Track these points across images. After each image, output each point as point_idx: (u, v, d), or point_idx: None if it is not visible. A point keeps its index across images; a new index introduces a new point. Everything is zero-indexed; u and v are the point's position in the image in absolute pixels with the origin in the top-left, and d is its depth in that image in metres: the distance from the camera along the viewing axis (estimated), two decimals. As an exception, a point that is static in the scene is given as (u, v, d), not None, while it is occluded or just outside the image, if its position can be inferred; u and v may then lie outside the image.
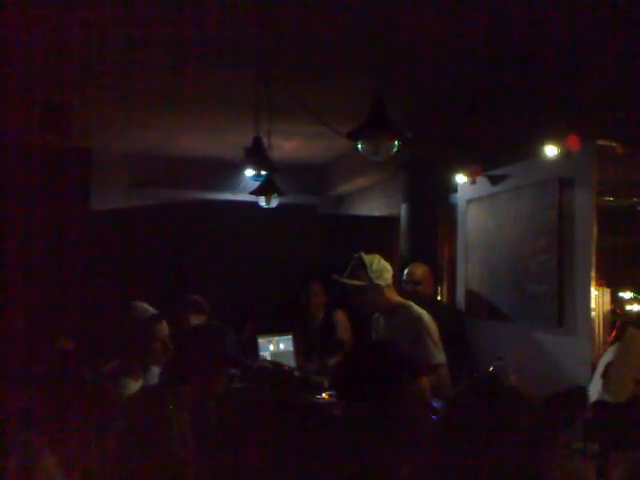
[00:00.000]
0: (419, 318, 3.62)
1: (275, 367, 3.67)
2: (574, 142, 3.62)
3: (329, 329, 5.18)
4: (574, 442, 2.68)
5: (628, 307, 4.33)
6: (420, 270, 4.84)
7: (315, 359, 4.74)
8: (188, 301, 4.30)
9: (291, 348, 4.60)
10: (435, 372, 3.49)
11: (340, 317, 5.23)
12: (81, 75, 5.18)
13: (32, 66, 4.66)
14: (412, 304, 3.75)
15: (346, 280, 3.67)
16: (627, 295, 4.35)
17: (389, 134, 3.20)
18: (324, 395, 3.50)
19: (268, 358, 4.19)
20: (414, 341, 3.55)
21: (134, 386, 3.03)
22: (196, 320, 3.93)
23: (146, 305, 3.31)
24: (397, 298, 3.78)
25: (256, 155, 4.90)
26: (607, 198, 4.06)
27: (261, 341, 4.44)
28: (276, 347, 4.54)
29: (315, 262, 6.11)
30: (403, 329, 3.64)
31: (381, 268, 3.70)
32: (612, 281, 4.03)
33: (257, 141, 4.87)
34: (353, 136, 3.25)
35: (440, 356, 3.54)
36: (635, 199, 4.40)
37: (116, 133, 7.23)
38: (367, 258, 3.72)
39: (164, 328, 3.18)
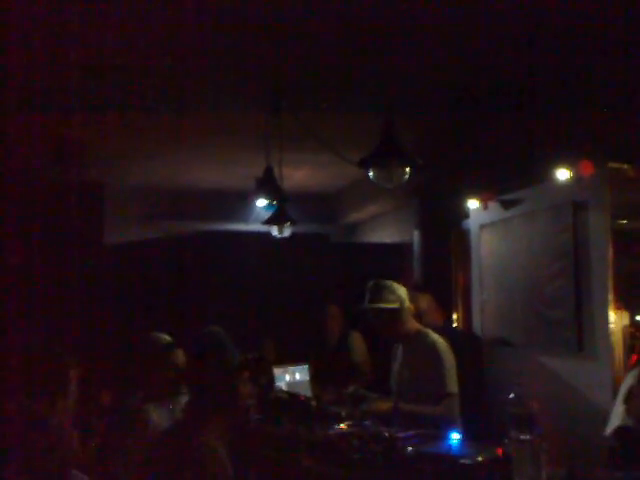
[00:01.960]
0: (434, 345, 3.60)
1: (291, 397, 3.63)
2: (586, 166, 3.62)
3: (345, 353, 5.15)
4: (599, 468, 2.64)
5: (647, 331, 4.27)
6: (424, 301, 4.80)
7: (331, 388, 4.70)
8: (209, 332, 4.32)
9: (307, 378, 4.56)
10: (445, 401, 3.45)
11: (356, 339, 5.19)
12: (94, 111, 5.25)
13: (47, 100, 4.73)
14: (430, 331, 3.73)
15: (379, 305, 3.62)
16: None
17: (401, 161, 3.21)
18: (342, 425, 3.45)
19: (284, 388, 4.15)
20: (427, 368, 3.53)
21: (160, 413, 3.06)
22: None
23: (163, 335, 3.34)
24: (416, 324, 3.77)
25: (267, 185, 4.93)
26: (622, 221, 4.04)
27: (277, 371, 4.40)
28: (292, 377, 4.50)
29: (330, 289, 6.10)
30: (419, 356, 3.63)
31: (405, 292, 3.71)
32: (630, 304, 3.99)
33: (268, 171, 4.91)
34: (365, 164, 3.26)
35: (451, 386, 3.50)
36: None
37: (129, 167, 7.30)
38: (392, 283, 3.71)
39: (179, 356, 3.20)
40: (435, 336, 3.67)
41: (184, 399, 3.04)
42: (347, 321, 5.35)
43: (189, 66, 4.37)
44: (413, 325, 3.73)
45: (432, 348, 3.59)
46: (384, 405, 3.52)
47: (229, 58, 4.25)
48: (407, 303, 3.68)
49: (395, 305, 3.62)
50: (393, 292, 3.66)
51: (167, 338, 3.37)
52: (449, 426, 3.16)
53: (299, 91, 4.82)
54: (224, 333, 4.35)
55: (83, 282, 6.18)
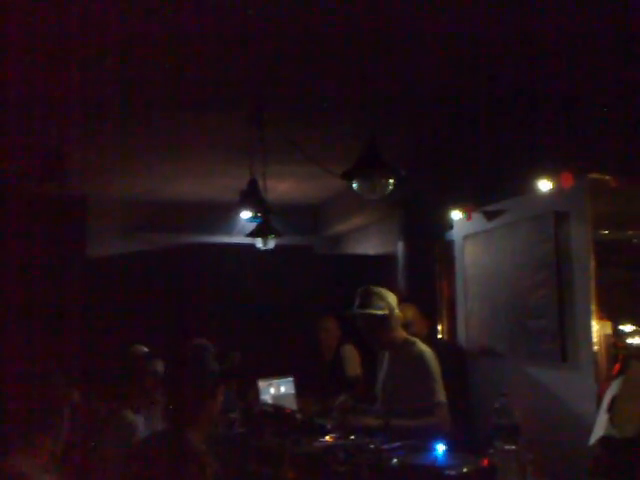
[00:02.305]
0: (421, 355, 3.59)
1: (276, 410, 3.62)
2: (566, 178, 3.66)
3: (338, 365, 5.14)
4: (583, 478, 2.64)
5: (629, 340, 4.30)
6: (410, 311, 4.81)
7: (317, 401, 4.69)
8: (195, 345, 4.35)
9: (292, 391, 4.54)
10: (434, 411, 3.44)
11: (349, 352, 5.18)
12: (76, 122, 5.23)
13: (29, 114, 4.71)
14: (417, 340, 3.72)
15: (368, 311, 3.61)
16: (628, 328, 4.32)
17: (384, 173, 3.23)
18: (327, 438, 3.44)
19: (269, 401, 4.13)
20: (415, 378, 3.53)
21: (135, 419, 3.20)
22: None
23: (142, 347, 3.46)
24: (404, 333, 3.76)
25: (252, 197, 4.93)
26: (603, 231, 4.07)
27: (261, 384, 4.38)
28: (277, 390, 4.48)
29: (313, 301, 6.10)
30: (406, 365, 3.61)
31: (395, 300, 3.70)
32: (612, 314, 4.01)
33: (252, 183, 4.92)
34: (348, 175, 3.28)
35: (440, 395, 3.49)
36: (631, 232, 4.41)
37: (111, 179, 7.27)
38: (381, 290, 3.71)
39: (157, 365, 3.28)
40: (422, 345, 3.66)
41: (158, 409, 3.09)
42: (341, 333, 5.34)
43: (172, 79, 4.38)
44: (400, 333, 3.72)
45: (420, 357, 3.58)
46: (374, 422, 3.48)
47: (212, 70, 4.26)
48: (396, 311, 3.68)
49: (384, 312, 3.61)
50: (383, 298, 3.64)
51: (145, 349, 3.53)
52: (442, 435, 3.16)
53: (282, 103, 4.84)
54: (209, 346, 4.37)
55: (66, 295, 6.14)
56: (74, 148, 5.83)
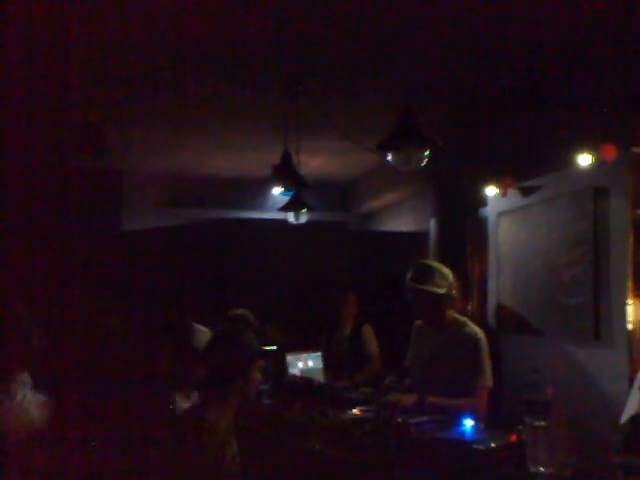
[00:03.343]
0: (475, 336, 3.50)
1: (305, 382, 3.63)
2: (609, 150, 3.54)
3: (358, 343, 5.14)
4: (614, 456, 2.60)
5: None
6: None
7: (344, 376, 4.70)
8: (236, 315, 4.43)
9: (320, 365, 4.56)
10: (477, 394, 3.38)
11: (370, 332, 5.19)
12: (111, 96, 5.26)
13: (66, 85, 4.74)
14: (468, 320, 3.63)
15: (428, 287, 3.48)
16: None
17: (420, 144, 3.17)
18: (355, 411, 3.44)
19: (297, 374, 4.16)
20: (470, 360, 3.44)
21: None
22: None
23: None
24: (453, 312, 3.64)
25: (284, 170, 4.91)
26: (640, 211, 3.96)
27: (290, 358, 4.41)
28: (305, 364, 4.51)
29: (345, 278, 6.10)
30: (458, 346, 3.51)
31: (453, 279, 3.59)
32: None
33: (286, 156, 4.88)
34: (383, 147, 3.23)
35: (490, 379, 3.43)
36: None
37: (146, 154, 7.32)
38: (442, 266, 3.60)
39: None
40: (475, 327, 3.57)
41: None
42: (361, 312, 5.35)
43: (208, 52, 4.36)
44: (451, 312, 3.62)
45: (474, 338, 3.48)
46: (408, 399, 3.39)
47: (247, 44, 4.22)
48: (454, 290, 3.57)
49: (443, 290, 3.49)
50: (444, 276, 3.52)
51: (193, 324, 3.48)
52: (476, 418, 3.12)
53: (317, 77, 4.79)
54: (248, 316, 4.44)
55: (101, 269, 6.22)
56: (111, 122, 5.88)
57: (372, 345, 5.16)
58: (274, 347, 4.12)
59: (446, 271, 3.57)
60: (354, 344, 5.16)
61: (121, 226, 7.16)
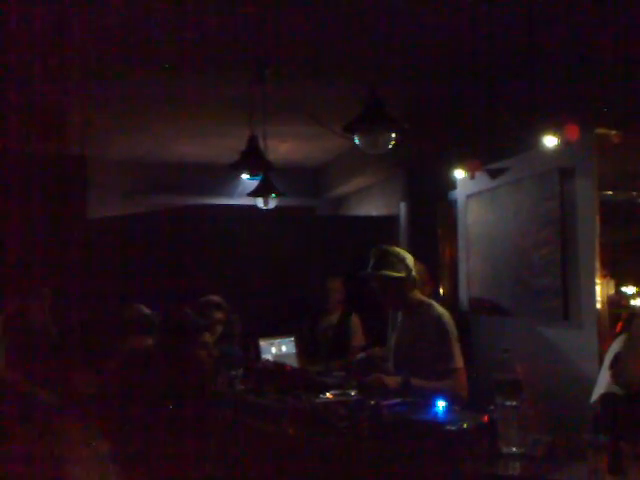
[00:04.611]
0: (440, 318, 3.47)
1: (278, 367, 3.61)
2: (572, 131, 3.57)
3: (344, 332, 5.11)
4: (585, 434, 2.63)
5: (632, 302, 4.28)
6: (417, 269, 4.75)
7: (319, 361, 4.70)
8: (208, 301, 4.41)
9: (293, 350, 4.55)
10: (452, 376, 3.38)
11: (357, 323, 5.15)
12: (76, 81, 5.14)
13: (28, 72, 4.63)
14: (433, 302, 3.59)
15: (385, 272, 3.46)
16: (630, 290, 4.30)
17: (386, 126, 3.16)
18: (328, 395, 3.43)
19: (270, 360, 4.14)
20: (436, 342, 3.42)
21: None
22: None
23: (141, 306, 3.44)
24: (419, 295, 3.62)
25: (252, 155, 4.85)
26: (607, 192, 4.01)
27: (263, 343, 4.39)
28: (278, 349, 4.49)
29: (315, 263, 6.08)
30: (423, 328, 3.49)
31: (412, 261, 3.58)
32: (616, 274, 3.98)
33: (253, 141, 4.82)
34: (350, 129, 3.20)
35: (460, 359, 3.41)
36: (634, 193, 4.35)
37: (111, 140, 7.20)
38: (399, 250, 3.58)
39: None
40: (440, 308, 3.54)
41: None
42: (349, 300, 5.30)
43: (173, 36, 4.28)
44: (416, 295, 3.59)
45: (438, 321, 3.46)
46: (391, 380, 3.38)
47: (213, 26, 4.15)
48: (413, 273, 3.54)
49: (401, 274, 3.47)
50: (400, 259, 3.50)
51: (145, 310, 3.49)
52: (460, 400, 3.11)
53: (284, 61, 4.74)
54: (224, 301, 4.47)
55: (66, 256, 6.12)
56: (74, 108, 5.76)
57: (357, 337, 5.14)
58: None
59: (404, 255, 3.56)
60: (340, 334, 5.13)
61: (87, 213, 7.03)
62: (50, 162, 6.28)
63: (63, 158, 6.49)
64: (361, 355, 3.90)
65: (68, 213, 6.52)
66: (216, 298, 4.54)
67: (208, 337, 2.68)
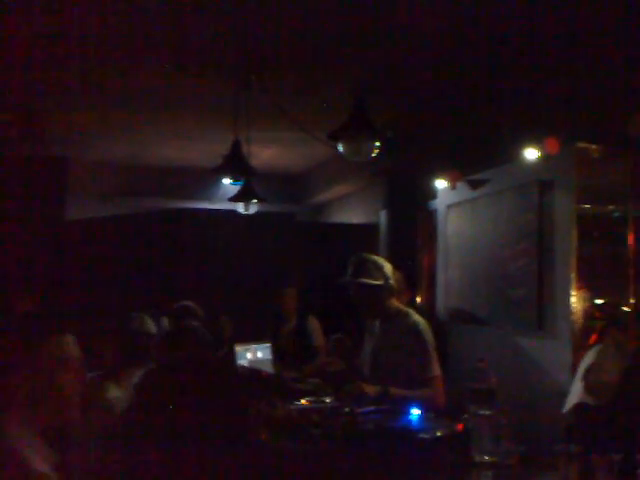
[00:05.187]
0: (417, 326, 3.46)
1: (253, 373, 3.59)
2: (552, 144, 3.62)
3: (303, 335, 5.15)
4: (556, 444, 2.65)
5: (606, 311, 4.32)
6: (395, 278, 4.75)
7: (292, 366, 4.69)
8: (182, 307, 4.37)
9: (269, 356, 4.53)
10: (430, 384, 3.38)
11: (315, 324, 5.21)
12: (56, 84, 5.11)
13: (6, 73, 4.59)
14: (411, 311, 3.58)
15: (362, 280, 3.45)
16: (605, 300, 4.34)
17: (370, 135, 3.17)
18: (302, 401, 3.43)
19: (246, 365, 4.11)
20: (414, 351, 3.41)
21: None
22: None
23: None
24: (397, 303, 3.61)
25: (234, 160, 4.84)
26: (585, 205, 4.06)
27: (239, 349, 4.36)
28: (254, 355, 4.46)
29: (293, 269, 6.09)
30: (400, 336, 3.48)
31: (390, 269, 3.57)
32: (591, 286, 4.02)
33: (236, 145, 4.81)
34: (334, 137, 3.21)
35: (437, 368, 3.42)
36: (612, 207, 4.40)
37: (91, 142, 7.14)
38: (377, 258, 3.58)
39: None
40: (417, 316, 3.54)
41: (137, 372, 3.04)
42: (305, 304, 5.36)
43: (156, 38, 4.26)
44: (393, 303, 3.58)
45: (415, 329, 3.45)
46: (371, 389, 3.34)
47: (197, 29, 4.14)
48: (391, 281, 3.53)
49: (378, 281, 3.46)
50: (378, 267, 3.49)
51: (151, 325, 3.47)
52: (438, 408, 3.12)
53: (270, 67, 4.74)
54: (197, 307, 4.41)
55: (44, 258, 6.06)
56: (54, 109, 5.71)
57: (318, 337, 5.18)
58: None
59: (383, 263, 3.56)
60: (299, 337, 5.16)
61: (65, 215, 6.97)
62: (29, 163, 6.23)
63: (44, 159, 6.44)
64: (333, 337, 3.87)
65: (46, 214, 6.47)
66: (191, 304, 4.51)
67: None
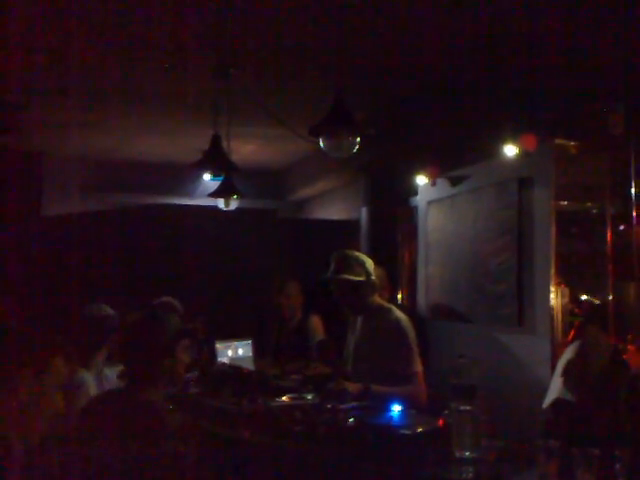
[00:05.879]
0: (398, 322, 3.47)
1: (234, 370, 3.58)
2: (530, 141, 3.64)
3: (304, 334, 5.09)
4: (536, 439, 2.67)
5: (585, 307, 4.36)
6: (377, 274, 4.76)
7: (275, 363, 4.67)
8: (162, 303, 4.32)
9: (250, 354, 4.52)
10: (411, 380, 3.39)
11: (316, 323, 5.12)
12: (33, 76, 5.04)
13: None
14: (393, 307, 3.60)
15: (344, 276, 3.46)
16: (584, 297, 4.39)
17: (351, 130, 3.16)
18: (284, 398, 3.42)
19: (226, 362, 4.10)
20: (395, 347, 3.42)
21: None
22: None
23: (103, 306, 3.40)
24: (379, 299, 3.63)
25: (214, 155, 4.80)
26: (562, 202, 4.09)
27: (219, 346, 4.34)
28: (234, 352, 4.45)
29: (275, 265, 6.07)
30: (382, 332, 3.49)
31: (372, 265, 3.58)
32: (570, 282, 4.06)
33: (215, 140, 4.77)
34: (315, 132, 3.19)
35: (418, 364, 3.43)
36: (590, 203, 4.44)
37: (69, 136, 7.05)
38: (359, 255, 3.58)
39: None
40: (398, 312, 3.54)
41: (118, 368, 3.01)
42: (307, 301, 5.28)
43: (135, 31, 4.22)
44: (375, 299, 3.59)
45: (397, 325, 3.46)
46: (352, 386, 3.34)
47: (176, 22, 4.10)
48: (373, 277, 3.54)
49: (360, 278, 3.47)
50: (360, 263, 3.50)
51: (107, 309, 3.43)
52: (420, 404, 3.13)
53: (249, 61, 4.71)
54: (177, 303, 4.38)
55: (21, 253, 5.98)
56: (30, 102, 5.63)
57: (318, 337, 5.11)
58: None
59: (364, 259, 3.57)
60: (299, 335, 5.10)
61: (42, 210, 6.89)
62: (5, 157, 6.15)
63: (19, 153, 6.36)
64: (317, 340, 3.85)
65: (23, 209, 6.39)
66: (170, 300, 4.46)
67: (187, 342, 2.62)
